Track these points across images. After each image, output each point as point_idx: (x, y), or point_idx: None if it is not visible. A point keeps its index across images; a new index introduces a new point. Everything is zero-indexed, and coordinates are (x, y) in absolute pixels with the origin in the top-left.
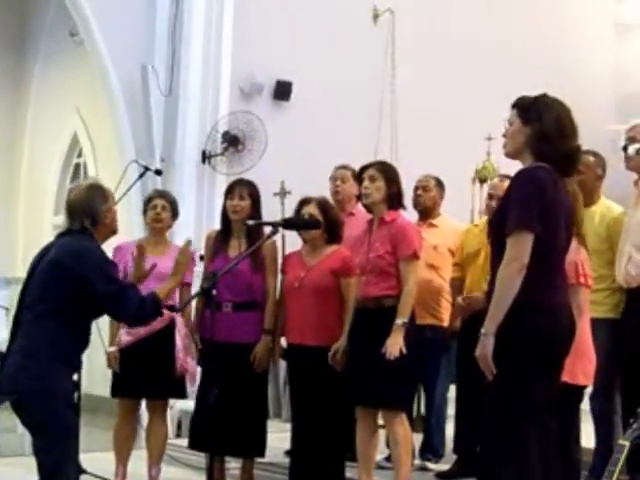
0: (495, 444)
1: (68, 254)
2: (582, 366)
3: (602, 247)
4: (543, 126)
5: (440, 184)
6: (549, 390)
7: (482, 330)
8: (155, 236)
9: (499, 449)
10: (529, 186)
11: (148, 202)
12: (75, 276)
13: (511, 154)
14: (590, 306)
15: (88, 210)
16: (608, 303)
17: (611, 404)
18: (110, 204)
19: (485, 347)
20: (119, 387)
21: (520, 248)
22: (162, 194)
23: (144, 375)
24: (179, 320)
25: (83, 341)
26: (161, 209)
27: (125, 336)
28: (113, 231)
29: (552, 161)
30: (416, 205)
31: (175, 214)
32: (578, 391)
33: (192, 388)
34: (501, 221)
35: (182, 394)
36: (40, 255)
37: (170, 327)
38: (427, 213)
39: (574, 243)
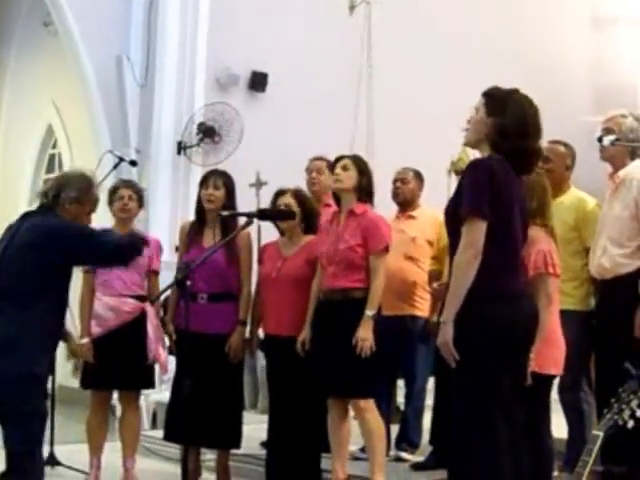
0: (463, 433)
1: (43, 234)
2: (552, 355)
3: (570, 236)
4: (504, 122)
5: (419, 176)
6: (516, 378)
7: (441, 318)
8: (122, 226)
9: (468, 438)
10: (479, 174)
11: (114, 192)
12: (58, 254)
13: (471, 143)
14: (559, 297)
15: (59, 187)
16: (576, 295)
17: (580, 395)
18: (83, 199)
19: (445, 334)
20: (90, 379)
21: (474, 235)
22: (128, 184)
23: (116, 366)
24: (150, 310)
25: (61, 324)
26: (128, 199)
27: (95, 327)
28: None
29: (508, 156)
30: (395, 197)
31: (141, 203)
32: (548, 380)
33: (164, 377)
34: (455, 211)
35: (152, 384)
36: (9, 237)
37: (140, 318)
38: (406, 205)
39: (543, 233)
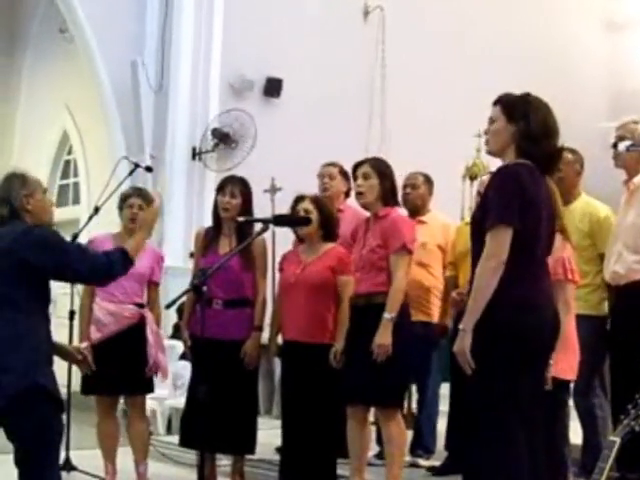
0: (481, 439)
1: (6, 244)
2: (567, 360)
3: (584, 243)
4: (530, 126)
5: (428, 180)
6: (535, 386)
7: (460, 325)
8: (130, 234)
9: (485, 444)
10: (508, 182)
11: (125, 199)
12: (25, 261)
13: (494, 152)
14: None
15: (5, 197)
16: (590, 300)
17: (594, 400)
18: (31, 190)
19: (463, 342)
20: (90, 385)
21: (499, 244)
22: (139, 193)
23: (116, 372)
24: (149, 316)
25: (49, 334)
26: (137, 209)
27: (95, 333)
28: (42, 222)
29: (535, 160)
30: (405, 203)
31: None
32: (564, 385)
33: (179, 383)
34: (482, 218)
35: (151, 389)
36: None
37: (139, 325)
38: (416, 210)
39: (559, 239)
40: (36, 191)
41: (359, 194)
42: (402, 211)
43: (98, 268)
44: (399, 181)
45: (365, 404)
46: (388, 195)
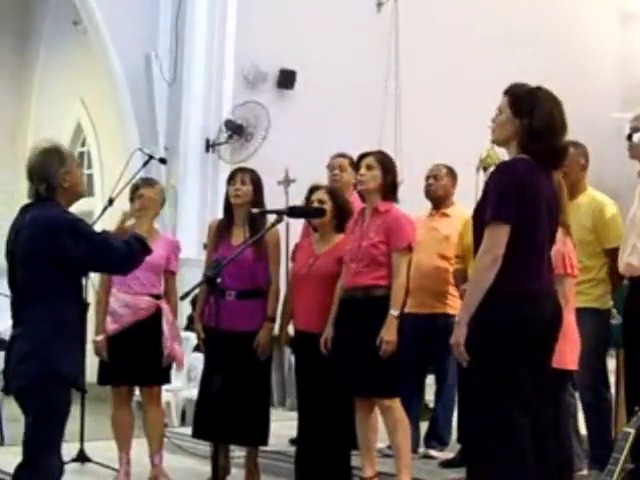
0: (481, 431)
1: (39, 230)
2: (570, 351)
3: (588, 239)
4: (533, 122)
5: (452, 172)
6: (538, 376)
7: (456, 318)
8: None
9: (485, 435)
10: (505, 178)
11: (135, 190)
12: (52, 252)
13: (498, 142)
14: (576, 296)
15: (44, 175)
16: (593, 293)
17: (599, 392)
18: (69, 167)
19: (457, 335)
20: (107, 375)
21: (495, 240)
22: (150, 183)
23: (133, 363)
24: (165, 308)
25: (81, 309)
26: (147, 199)
27: (111, 324)
28: (77, 195)
29: (536, 156)
30: (427, 194)
31: (162, 203)
32: (565, 376)
33: (192, 375)
34: (482, 213)
35: (168, 380)
36: (14, 232)
37: (155, 315)
38: (439, 202)
39: (560, 233)
40: (72, 166)
41: (360, 182)
42: (417, 205)
43: (123, 260)
44: (415, 173)
45: (365, 396)
46: (388, 189)
